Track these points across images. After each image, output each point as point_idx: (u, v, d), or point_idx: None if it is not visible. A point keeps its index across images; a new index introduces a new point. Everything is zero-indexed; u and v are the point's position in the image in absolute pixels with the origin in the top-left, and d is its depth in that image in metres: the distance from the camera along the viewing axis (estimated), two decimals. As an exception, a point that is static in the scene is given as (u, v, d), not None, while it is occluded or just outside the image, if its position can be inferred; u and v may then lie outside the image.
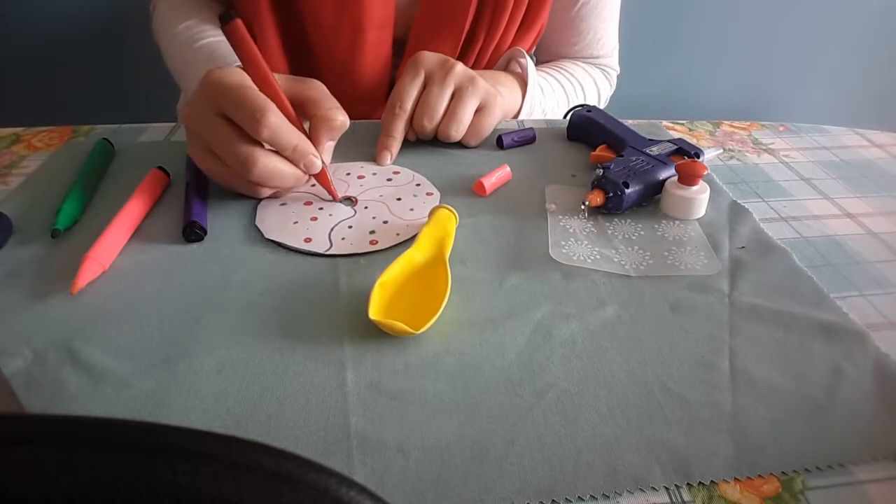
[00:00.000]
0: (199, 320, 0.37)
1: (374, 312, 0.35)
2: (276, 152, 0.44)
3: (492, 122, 0.57)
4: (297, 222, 0.46)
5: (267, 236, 0.44)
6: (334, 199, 0.48)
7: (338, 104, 0.48)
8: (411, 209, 0.48)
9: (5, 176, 0.52)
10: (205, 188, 0.49)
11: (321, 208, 0.48)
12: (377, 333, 0.35)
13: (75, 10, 1.15)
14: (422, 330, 0.35)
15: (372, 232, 0.45)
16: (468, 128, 0.55)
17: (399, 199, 0.49)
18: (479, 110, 0.55)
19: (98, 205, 0.47)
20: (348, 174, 0.52)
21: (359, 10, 0.63)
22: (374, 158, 0.55)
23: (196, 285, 0.39)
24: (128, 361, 0.33)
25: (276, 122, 0.42)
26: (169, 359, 0.34)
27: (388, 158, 0.54)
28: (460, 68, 0.54)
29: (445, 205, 0.44)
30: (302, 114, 0.47)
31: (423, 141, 0.57)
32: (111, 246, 0.41)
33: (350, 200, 0.49)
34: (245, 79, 0.44)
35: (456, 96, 0.54)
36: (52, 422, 0.15)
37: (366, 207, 0.48)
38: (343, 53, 0.66)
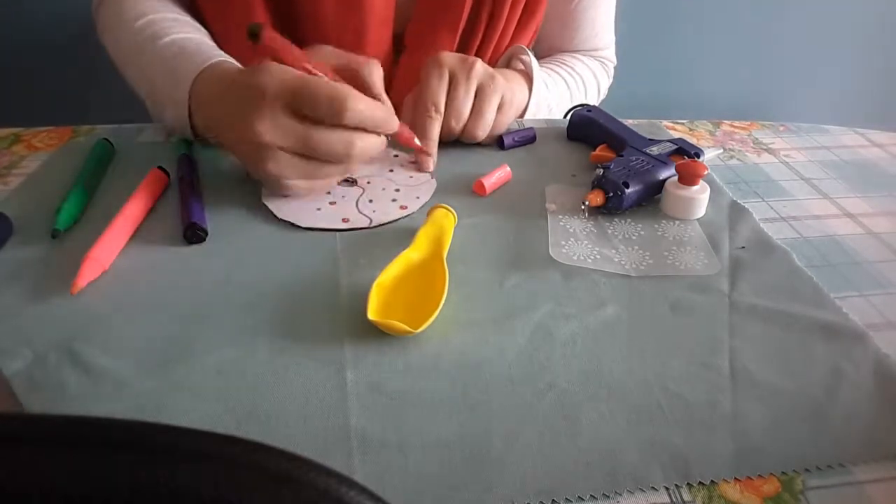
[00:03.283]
0: (199, 320, 0.36)
1: (372, 313, 0.35)
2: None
3: (509, 120, 0.58)
4: (320, 209, 0.47)
5: (303, 225, 0.45)
6: (426, 154, 0.51)
7: (354, 56, 0.48)
8: (410, 176, 0.52)
9: (5, 176, 0.52)
10: (199, 187, 0.49)
11: (328, 192, 0.49)
12: (377, 333, 0.35)
13: (75, 10, 1.14)
14: (421, 329, 0.35)
15: (394, 200, 0.49)
16: None
17: (392, 171, 0.52)
18: (498, 108, 0.56)
19: (98, 205, 0.47)
20: None
21: (362, 10, 0.63)
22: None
23: (196, 285, 0.39)
24: (128, 361, 0.33)
25: (358, 104, 0.42)
26: (169, 359, 0.34)
27: (432, 164, 0.53)
28: (480, 66, 0.54)
29: (443, 204, 0.44)
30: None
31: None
32: (111, 246, 0.41)
33: (349, 182, 0.50)
34: (296, 71, 0.43)
35: (479, 95, 0.54)
36: (52, 422, 0.15)
37: (368, 182, 0.51)
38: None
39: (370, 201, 0.49)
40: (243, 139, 0.43)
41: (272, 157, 0.43)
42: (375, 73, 0.47)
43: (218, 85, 0.48)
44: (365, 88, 0.46)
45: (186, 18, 0.61)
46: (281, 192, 0.47)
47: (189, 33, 0.56)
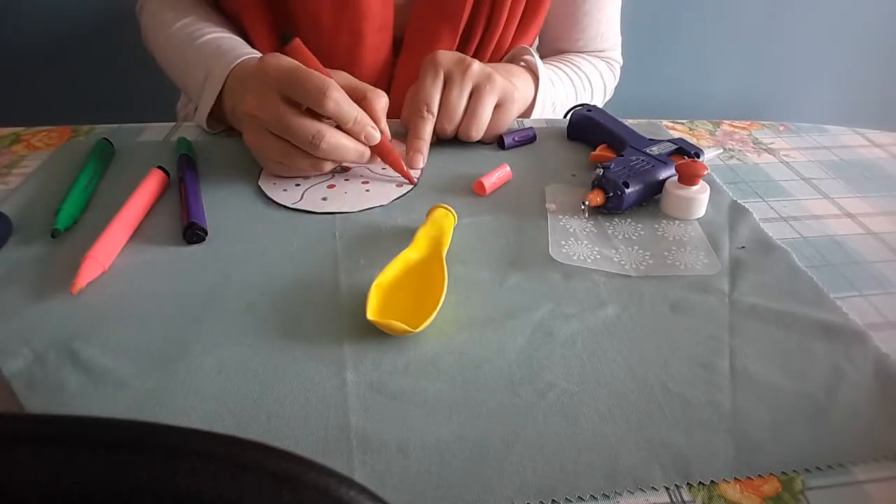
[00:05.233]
0: (199, 320, 0.37)
1: (371, 313, 0.35)
2: (338, 128, 0.47)
3: (509, 119, 0.57)
4: (369, 190, 0.50)
5: (357, 209, 0.48)
6: (410, 182, 0.51)
7: (366, 84, 0.51)
8: (382, 168, 0.54)
9: (5, 176, 0.52)
10: (199, 187, 0.49)
11: (332, 176, 0.52)
12: (377, 333, 0.35)
13: (75, 9, 1.14)
14: (420, 329, 0.35)
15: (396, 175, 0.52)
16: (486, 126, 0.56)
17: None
18: (497, 107, 0.56)
19: (98, 205, 0.47)
20: None
21: (357, 14, 0.63)
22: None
23: (196, 285, 0.39)
24: (128, 361, 0.33)
25: (340, 95, 0.45)
26: (169, 359, 0.34)
27: (421, 161, 0.54)
28: (477, 66, 0.54)
29: (443, 204, 0.44)
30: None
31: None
32: (111, 246, 0.41)
33: (343, 169, 0.53)
34: (296, 62, 0.47)
35: (475, 95, 0.54)
36: (52, 422, 0.15)
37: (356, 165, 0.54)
38: (342, 57, 0.66)
39: (383, 168, 0.53)
40: (238, 108, 0.50)
41: (252, 129, 0.49)
42: (380, 101, 0.50)
43: (242, 73, 0.54)
44: (368, 111, 0.49)
45: (219, 19, 0.67)
46: (268, 171, 0.52)
47: (223, 33, 0.64)
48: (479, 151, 0.57)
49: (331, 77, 0.48)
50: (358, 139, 0.48)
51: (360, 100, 0.49)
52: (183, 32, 0.63)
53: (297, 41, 0.48)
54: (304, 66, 0.47)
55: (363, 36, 0.65)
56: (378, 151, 0.50)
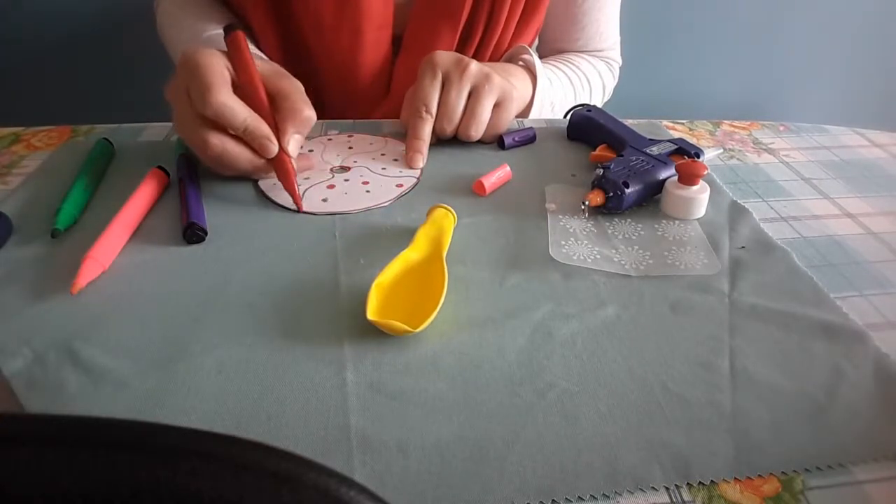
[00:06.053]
0: (199, 320, 0.36)
1: (372, 313, 0.35)
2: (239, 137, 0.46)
3: (509, 118, 0.57)
4: (369, 191, 0.50)
5: (356, 209, 0.47)
6: (298, 208, 0.47)
7: (307, 101, 0.49)
8: (395, 159, 0.55)
9: (5, 176, 0.52)
10: (199, 187, 0.49)
11: (332, 175, 0.52)
12: (377, 333, 0.35)
13: (75, 9, 1.14)
14: (420, 328, 0.35)
15: (400, 172, 0.52)
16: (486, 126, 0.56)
17: (373, 159, 0.55)
18: (496, 107, 0.56)
19: (98, 205, 0.47)
20: (330, 139, 0.58)
21: (358, 12, 0.63)
22: (376, 156, 0.55)
23: (196, 285, 0.39)
24: (128, 361, 0.33)
25: (225, 100, 0.44)
26: (169, 359, 0.34)
27: (421, 161, 0.54)
28: (475, 66, 0.54)
29: (443, 204, 0.44)
30: (272, 105, 0.48)
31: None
32: (111, 246, 0.41)
33: (343, 169, 0.53)
34: (212, 59, 0.45)
35: (473, 96, 0.54)
36: (52, 422, 0.15)
37: (355, 161, 0.54)
38: (343, 54, 0.66)
39: (383, 168, 0.53)
40: None
41: (173, 116, 0.48)
42: (295, 115, 0.47)
43: None
44: (279, 122, 0.47)
45: (227, 17, 0.67)
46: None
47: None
48: (479, 151, 0.57)
49: (258, 79, 0.46)
50: (252, 149, 0.46)
51: (278, 109, 0.47)
52: (191, 29, 0.64)
53: (236, 35, 0.45)
54: (209, 65, 0.44)
55: (363, 33, 0.65)
56: (274, 166, 0.47)
